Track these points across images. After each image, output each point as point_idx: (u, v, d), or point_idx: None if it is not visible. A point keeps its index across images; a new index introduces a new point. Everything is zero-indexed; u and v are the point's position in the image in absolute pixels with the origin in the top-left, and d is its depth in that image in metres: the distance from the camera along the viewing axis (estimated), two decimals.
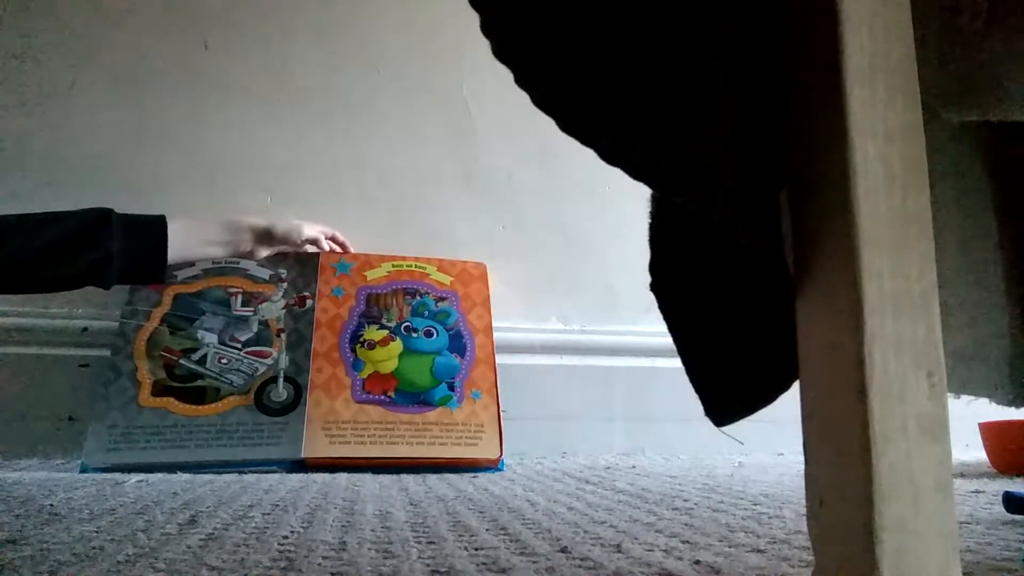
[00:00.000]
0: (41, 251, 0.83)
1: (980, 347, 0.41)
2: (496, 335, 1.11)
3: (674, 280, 0.35)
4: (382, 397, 1.02)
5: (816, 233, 0.27)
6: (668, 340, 0.35)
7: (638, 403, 1.25)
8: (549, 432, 1.21)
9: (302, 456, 0.93)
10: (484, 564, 0.39)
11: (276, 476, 0.85)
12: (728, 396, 0.34)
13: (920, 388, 0.24)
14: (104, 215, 0.88)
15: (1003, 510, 0.58)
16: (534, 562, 0.40)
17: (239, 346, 1.04)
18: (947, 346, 0.25)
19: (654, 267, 0.35)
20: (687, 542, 0.46)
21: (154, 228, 0.92)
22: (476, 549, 0.43)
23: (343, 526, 0.50)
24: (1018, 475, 0.92)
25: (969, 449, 1.14)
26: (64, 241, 0.84)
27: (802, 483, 0.28)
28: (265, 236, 1.06)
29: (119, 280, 0.89)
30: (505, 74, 0.28)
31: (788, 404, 0.31)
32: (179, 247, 0.94)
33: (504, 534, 0.49)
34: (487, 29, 0.28)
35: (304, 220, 1.12)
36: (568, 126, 0.28)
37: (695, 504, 0.63)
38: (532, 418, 1.19)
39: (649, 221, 0.35)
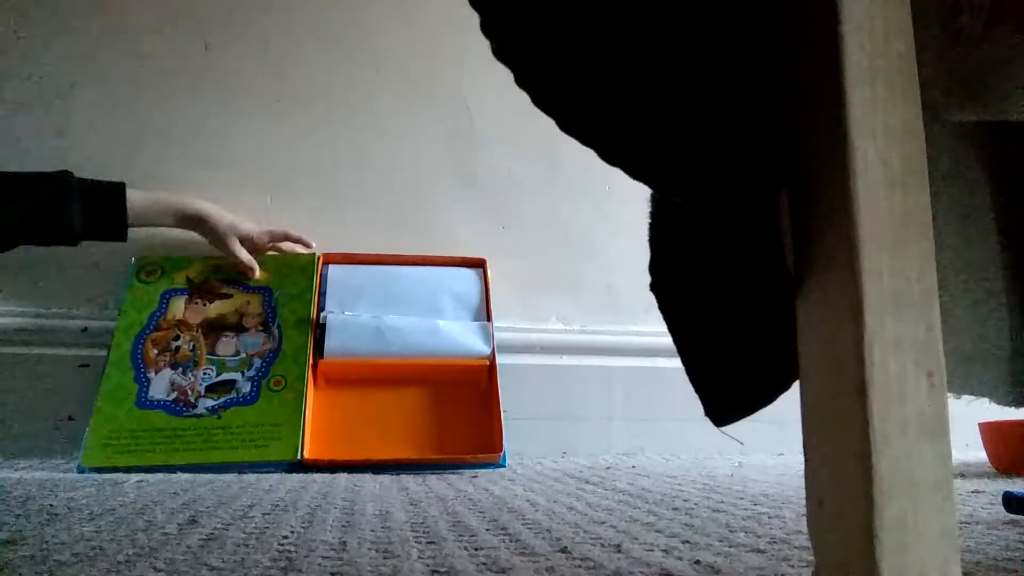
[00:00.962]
0: (8, 216, 0.91)
1: (980, 347, 0.41)
2: (496, 335, 1.11)
3: (674, 280, 0.35)
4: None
5: (816, 233, 0.27)
6: (668, 340, 0.35)
7: (638, 403, 1.25)
8: (549, 432, 1.20)
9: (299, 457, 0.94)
10: (484, 564, 0.39)
11: (276, 476, 0.85)
12: (728, 397, 0.34)
13: (920, 388, 0.24)
14: (65, 182, 0.95)
15: (1003, 510, 0.58)
16: (534, 562, 0.40)
17: None
18: (947, 346, 0.25)
19: (654, 267, 0.35)
20: (687, 542, 0.46)
21: (114, 193, 1.00)
22: (476, 549, 0.43)
23: (343, 526, 0.50)
24: (1018, 475, 0.92)
25: (969, 449, 1.14)
26: (31, 206, 0.93)
27: (802, 483, 0.28)
28: (188, 220, 1.06)
29: (85, 238, 0.98)
30: (505, 74, 0.28)
31: (788, 404, 0.31)
32: (137, 212, 1.02)
33: (504, 534, 0.49)
34: (487, 29, 0.28)
35: (303, 220, 1.12)
36: (568, 126, 0.28)
37: (695, 504, 0.63)
38: (532, 418, 1.19)
39: (649, 221, 0.35)
